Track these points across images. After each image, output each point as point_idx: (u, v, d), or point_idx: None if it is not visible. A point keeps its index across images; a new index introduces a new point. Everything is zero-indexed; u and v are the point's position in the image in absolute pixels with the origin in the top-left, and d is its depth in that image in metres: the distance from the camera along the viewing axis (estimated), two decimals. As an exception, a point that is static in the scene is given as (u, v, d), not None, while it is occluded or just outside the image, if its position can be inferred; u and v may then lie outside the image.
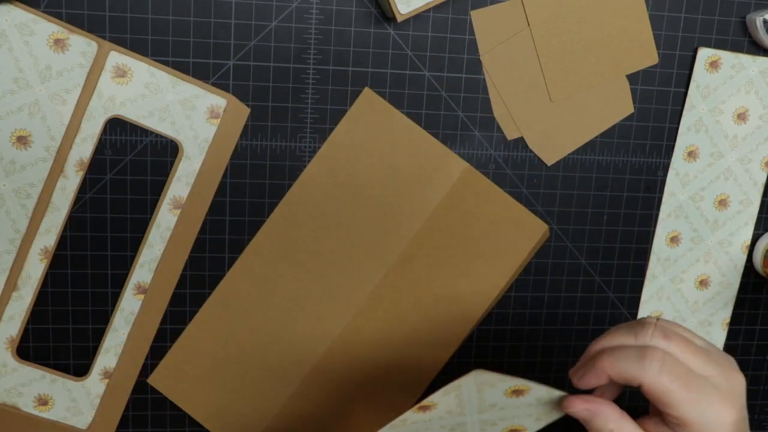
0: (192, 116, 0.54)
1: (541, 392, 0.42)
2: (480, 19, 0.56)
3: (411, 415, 0.42)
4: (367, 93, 0.55)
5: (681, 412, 0.39)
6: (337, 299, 0.58)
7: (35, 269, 0.54)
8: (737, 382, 0.41)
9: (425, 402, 0.42)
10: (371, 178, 0.57)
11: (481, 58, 0.57)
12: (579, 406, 0.41)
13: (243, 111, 0.55)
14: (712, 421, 0.39)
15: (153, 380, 0.58)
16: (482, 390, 0.42)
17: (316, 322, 0.58)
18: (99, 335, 0.57)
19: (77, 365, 0.57)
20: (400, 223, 0.57)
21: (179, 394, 0.58)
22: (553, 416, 0.44)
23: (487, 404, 0.43)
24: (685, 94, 0.60)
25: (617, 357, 0.41)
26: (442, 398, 0.42)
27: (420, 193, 0.57)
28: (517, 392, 0.42)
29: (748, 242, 0.63)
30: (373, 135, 0.56)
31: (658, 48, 0.58)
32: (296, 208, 0.57)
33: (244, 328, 0.58)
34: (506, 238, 0.59)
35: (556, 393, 0.42)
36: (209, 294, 0.57)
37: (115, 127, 0.53)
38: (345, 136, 0.56)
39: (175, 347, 0.58)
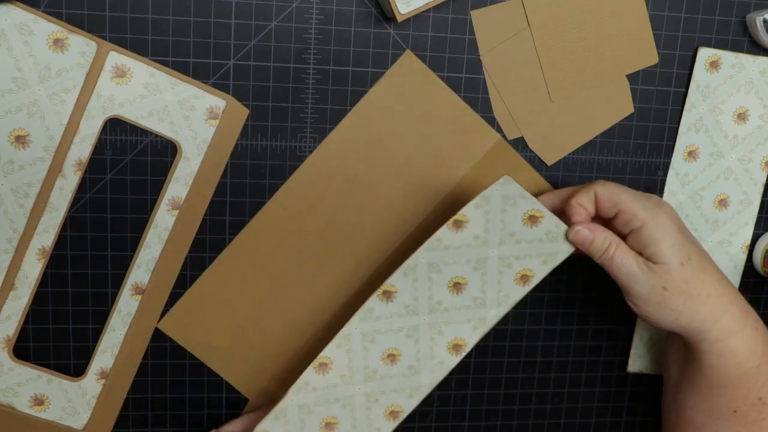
0: (191, 117, 0.55)
1: (550, 224, 0.53)
2: (480, 19, 0.57)
3: (445, 233, 0.53)
4: (408, 55, 0.57)
5: (633, 207, 0.52)
6: (360, 254, 0.60)
7: (32, 269, 0.56)
8: (670, 207, 0.54)
9: (458, 216, 0.53)
10: (403, 139, 0.58)
11: (481, 58, 0.58)
12: (581, 229, 0.53)
13: (242, 112, 0.56)
14: (660, 221, 0.51)
15: (163, 326, 0.59)
16: (506, 210, 0.53)
17: (337, 275, 0.60)
18: (98, 335, 0.58)
19: (76, 365, 0.59)
20: (428, 187, 0.59)
21: (190, 340, 0.60)
22: (557, 259, 0.54)
23: (507, 233, 0.54)
24: (685, 94, 0.61)
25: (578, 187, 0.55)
26: (474, 212, 0.53)
27: (451, 160, 0.59)
28: (532, 219, 0.53)
29: (748, 242, 0.65)
30: (410, 98, 0.57)
31: (658, 48, 0.60)
32: (325, 164, 0.58)
33: (261, 278, 0.59)
34: None
35: (563, 226, 0.54)
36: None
37: (115, 127, 0.55)
38: (381, 96, 0.57)
39: (188, 294, 0.59)
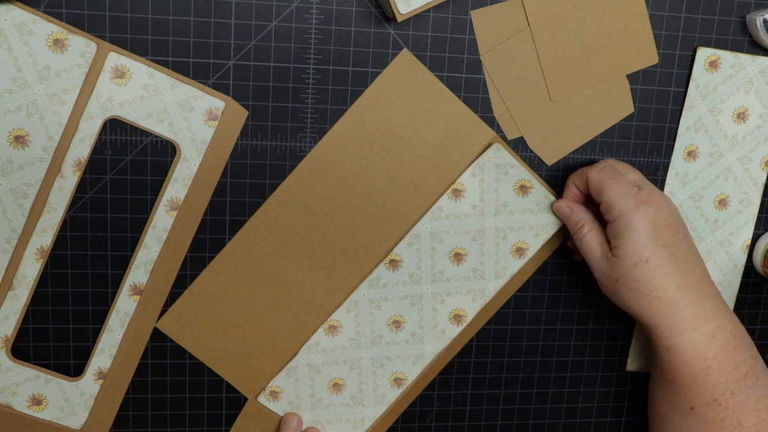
0: (190, 118, 0.56)
1: (540, 194, 0.61)
2: (480, 19, 0.59)
3: (445, 202, 0.60)
4: (405, 54, 0.58)
5: (612, 200, 0.55)
6: (358, 253, 0.61)
7: (31, 269, 0.57)
8: (666, 206, 0.56)
9: (456, 185, 0.59)
10: (400, 138, 0.59)
11: (481, 58, 0.59)
12: (562, 205, 0.60)
13: (241, 113, 0.57)
14: (632, 219, 0.54)
15: (162, 325, 0.60)
16: (498, 178, 0.59)
17: (335, 274, 0.61)
18: (97, 335, 0.59)
19: (75, 365, 0.60)
20: (425, 185, 0.60)
21: (189, 339, 0.61)
22: (548, 231, 0.62)
23: (501, 203, 0.60)
24: (685, 93, 0.62)
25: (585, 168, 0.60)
26: (470, 180, 0.59)
27: (447, 157, 0.60)
28: (523, 188, 0.60)
29: (748, 242, 0.66)
30: (407, 96, 0.59)
31: (658, 48, 0.61)
32: (322, 163, 0.59)
33: (260, 277, 0.60)
34: None
35: (551, 198, 0.61)
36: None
37: (115, 127, 0.56)
38: (378, 95, 0.58)
39: (187, 293, 0.60)
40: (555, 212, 0.61)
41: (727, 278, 0.67)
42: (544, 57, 0.60)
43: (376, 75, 0.58)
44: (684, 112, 0.63)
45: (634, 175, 0.58)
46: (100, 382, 0.60)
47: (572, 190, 0.60)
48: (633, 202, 0.55)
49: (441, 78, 0.59)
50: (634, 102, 0.62)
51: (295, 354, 0.62)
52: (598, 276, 0.58)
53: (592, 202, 0.59)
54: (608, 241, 0.57)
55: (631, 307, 0.56)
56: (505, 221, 0.61)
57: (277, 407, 0.63)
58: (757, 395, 0.56)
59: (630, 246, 0.55)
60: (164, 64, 0.56)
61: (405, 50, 0.58)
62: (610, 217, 0.56)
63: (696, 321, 0.55)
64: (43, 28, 0.54)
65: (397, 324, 0.62)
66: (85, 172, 0.57)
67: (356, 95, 0.59)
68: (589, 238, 0.58)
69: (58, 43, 0.54)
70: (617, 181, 0.56)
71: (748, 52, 0.62)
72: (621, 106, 0.62)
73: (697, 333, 0.55)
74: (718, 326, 0.55)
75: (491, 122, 0.61)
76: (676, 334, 0.55)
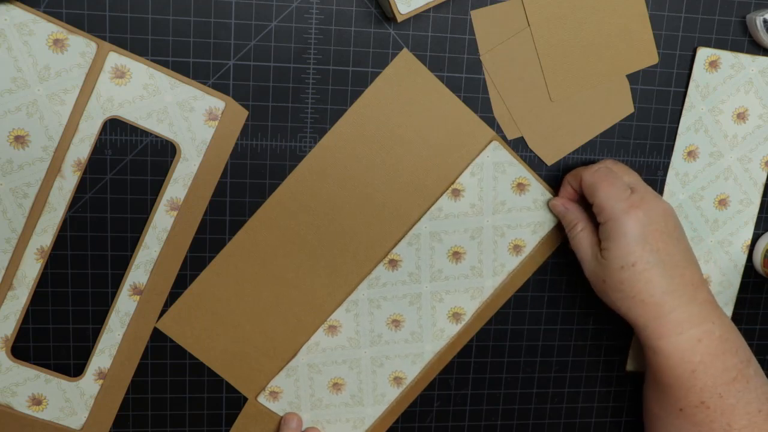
0: (190, 118, 0.56)
1: (537, 192, 0.62)
2: (480, 19, 0.59)
3: (445, 202, 0.61)
4: (405, 54, 0.58)
5: (603, 203, 0.56)
6: (358, 253, 0.61)
7: (31, 269, 0.57)
8: (658, 210, 0.55)
9: (455, 185, 0.60)
10: (400, 138, 0.60)
11: (481, 58, 0.59)
12: (558, 202, 0.61)
13: (241, 113, 0.57)
14: (622, 223, 0.55)
15: (161, 325, 0.60)
16: (496, 177, 0.60)
17: (335, 274, 0.61)
18: (97, 335, 0.59)
19: (75, 365, 0.60)
20: (425, 185, 0.61)
21: (189, 339, 0.61)
22: (545, 228, 0.63)
23: (499, 201, 0.61)
24: (685, 93, 0.62)
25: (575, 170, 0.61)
26: (469, 179, 0.60)
27: (447, 157, 0.60)
28: (520, 186, 0.61)
29: (748, 242, 0.66)
30: (407, 96, 0.59)
31: (658, 48, 0.61)
32: (322, 163, 0.59)
33: (260, 277, 0.60)
34: None
35: (547, 195, 0.62)
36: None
37: (115, 127, 0.56)
38: (378, 95, 0.59)
39: (187, 293, 0.60)
40: (551, 209, 0.62)
41: (727, 278, 0.67)
42: (544, 57, 0.60)
43: (376, 75, 0.58)
44: (684, 112, 0.63)
45: (630, 177, 0.58)
46: (100, 382, 0.60)
47: (567, 189, 0.61)
48: (624, 205, 0.55)
49: (441, 78, 0.59)
50: (634, 102, 0.62)
51: (295, 354, 0.62)
52: (588, 275, 0.59)
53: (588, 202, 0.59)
54: (600, 242, 0.57)
55: (620, 308, 0.57)
56: (503, 219, 0.62)
57: (277, 407, 0.63)
58: (747, 398, 0.56)
59: (617, 249, 0.55)
60: (164, 64, 0.56)
61: (405, 50, 0.58)
62: (602, 219, 0.56)
63: (681, 325, 0.55)
64: (43, 28, 0.54)
65: (396, 323, 0.62)
66: (85, 172, 0.57)
67: (356, 95, 0.59)
68: (581, 238, 0.59)
69: (58, 43, 0.54)
70: (610, 184, 0.56)
71: (748, 52, 0.62)
72: (621, 106, 0.62)
73: (682, 337, 0.55)
74: (705, 331, 0.55)
75: (491, 122, 0.61)
76: (662, 336, 0.55)
